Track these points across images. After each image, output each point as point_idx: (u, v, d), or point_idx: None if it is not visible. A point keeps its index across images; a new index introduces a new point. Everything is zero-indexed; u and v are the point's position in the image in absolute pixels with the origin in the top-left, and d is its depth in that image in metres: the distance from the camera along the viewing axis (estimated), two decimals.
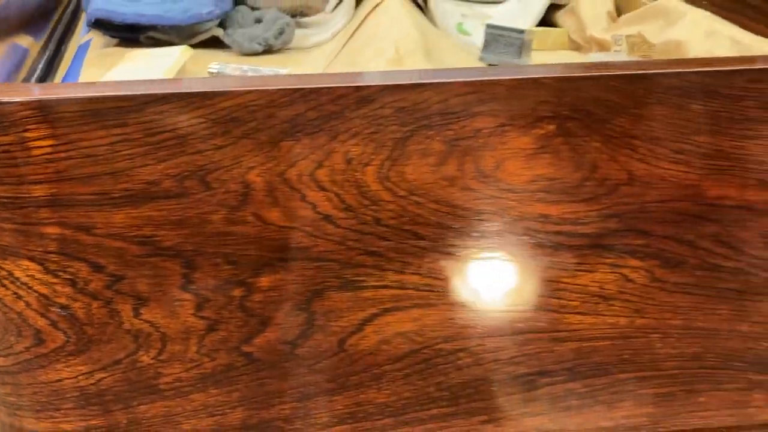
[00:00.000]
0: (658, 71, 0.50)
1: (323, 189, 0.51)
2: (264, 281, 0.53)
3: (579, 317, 0.58)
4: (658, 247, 0.56)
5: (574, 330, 0.58)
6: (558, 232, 0.54)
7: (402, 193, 0.52)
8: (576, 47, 0.96)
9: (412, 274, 0.55)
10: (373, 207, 0.52)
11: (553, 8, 1.03)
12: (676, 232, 0.55)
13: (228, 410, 0.58)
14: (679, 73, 0.50)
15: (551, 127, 0.51)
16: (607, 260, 0.56)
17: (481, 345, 0.58)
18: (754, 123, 0.52)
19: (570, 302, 0.57)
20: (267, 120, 0.48)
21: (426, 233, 0.53)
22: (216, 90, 0.47)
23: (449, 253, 0.54)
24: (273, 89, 0.48)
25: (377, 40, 0.84)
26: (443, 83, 0.49)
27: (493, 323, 0.57)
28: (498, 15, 1.03)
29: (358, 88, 0.48)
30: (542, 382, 0.60)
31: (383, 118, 0.49)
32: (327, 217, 0.52)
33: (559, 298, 0.57)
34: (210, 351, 0.55)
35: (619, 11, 1.02)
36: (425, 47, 0.80)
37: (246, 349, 0.56)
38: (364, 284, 0.55)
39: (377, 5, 0.89)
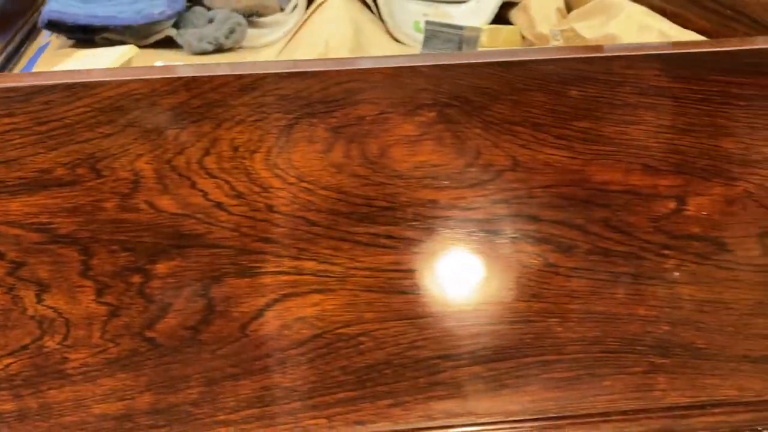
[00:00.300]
0: (533, 58, 0.51)
1: (212, 176, 0.52)
2: (161, 268, 0.54)
3: (476, 301, 0.58)
4: (548, 232, 0.56)
5: (472, 314, 0.59)
6: (447, 218, 0.55)
7: (291, 180, 0.53)
8: (528, 44, 0.96)
9: (309, 259, 0.55)
10: (264, 194, 0.53)
11: (508, 6, 1.04)
12: (565, 217, 0.56)
13: (136, 394, 0.58)
14: (556, 60, 0.51)
15: (432, 114, 0.51)
16: (499, 245, 0.56)
17: (381, 329, 0.58)
18: (633, 108, 0.53)
19: (465, 286, 0.57)
20: (151, 108, 0.49)
21: (319, 219, 0.54)
22: (97, 80, 0.48)
23: (344, 239, 0.55)
24: (154, 78, 0.49)
25: (313, 38, 0.85)
26: (322, 71, 0.50)
27: (391, 307, 0.58)
28: (459, 14, 1.04)
29: (238, 77, 0.49)
30: (446, 365, 0.60)
31: (266, 105, 0.50)
32: (219, 204, 0.53)
33: (454, 282, 0.57)
34: (114, 336, 0.56)
35: (569, 8, 1.03)
36: (356, 44, 0.81)
37: (149, 334, 0.56)
38: (262, 270, 0.55)
39: (321, 4, 0.90)
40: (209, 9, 1.01)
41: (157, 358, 0.57)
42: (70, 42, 0.94)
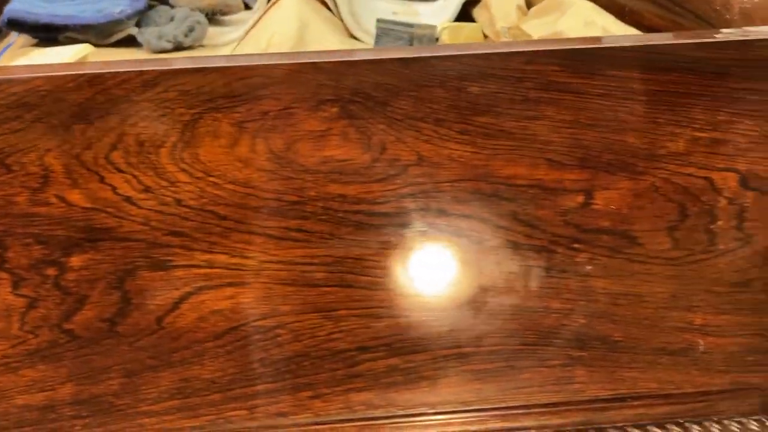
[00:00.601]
0: (431, 54, 0.51)
1: (120, 171, 0.52)
2: (75, 261, 0.55)
3: (389, 294, 0.59)
4: (457, 225, 0.57)
5: (386, 306, 0.59)
6: (357, 211, 0.56)
7: (198, 174, 0.53)
8: (490, 42, 0.97)
9: (220, 253, 0.56)
10: (172, 188, 0.53)
11: (474, 3, 1.05)
12: (473, 210, 0.56)
13: (58, 385, 0.59)
14: (454, 56, 0.52)
15: (335, 110, 0.52)
16: (409, 238, 0.57)
17: (297, 322, 0.59)
18: (535, 104, 0.53)
19: (378, 279, 0.58)
20: (56, 104, 0.50)
21: (228, 213, 0.55)
22: (2, 78, 0.49)
23: (255, 233, 0.56)
24: (58, 75, 0.49)
25: (258, 36, 0.86)
26: (223, 67, 0.50)
27: (306, 300, 0.58)
28: (429, 12, 1.06)
29: (140, 73, 0.50)
30: (363, 358, 0.61)
31: (169, 101, 0.51)
32: (128, 198, 0.53)
33: (367, 276, 0.58)
34: (33, 328, 0.57)
35: (530, 4, 1.04)
36: (299, 41, 0.82)
37: (67, 326, 0.57)
38: (174, 263, 0.56)
39: (275, 2, 0.91)
40: (173, 7, 1.02)
41: (77, 349, 0.58)
42: (34, 41, 0.95)
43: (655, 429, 0.67)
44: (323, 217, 0.56)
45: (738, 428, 0.67)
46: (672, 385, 0.65)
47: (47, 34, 0.95)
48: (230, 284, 0.57)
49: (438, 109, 0.53)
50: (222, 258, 0.56)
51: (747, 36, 0.53)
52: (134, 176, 0.53)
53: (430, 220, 0.56)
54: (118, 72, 0.50)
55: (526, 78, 0.52)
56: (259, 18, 0.92)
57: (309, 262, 0.57)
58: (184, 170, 0.53)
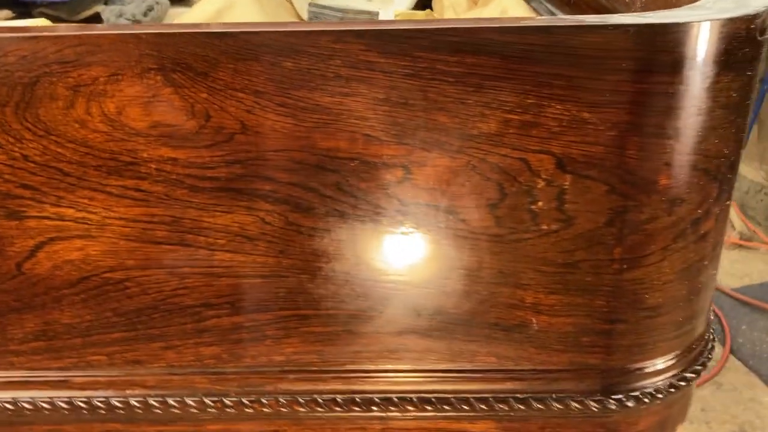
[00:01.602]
0: (244, 30, 0.54)
1: None
2: None
3: (229, 255, 0.61)
4: (286, 193, 0.59)
5: (227, 266, 0.62)
6: (189, 175, 0.58)
7: (41, 133, 0.57)
8: None
9: (68, 207, 0.59)
10: (19, 144, 0.57)
11: None
12: (299, 179, 0.58)
13: None
14: (265, 33, 0.54)
15: (158, 78, 0.55)
16: (242, 203, 0.59)
17: (144, 276, 0.62)
18: (347, 81, 0.55)
19: (217, 240, 0.61)
20: None
21: (71, 170, 0.58)
22: None
23: (96, 190, 0.59)
24: None
25: (185, 16, 0.90)
26: (54, 36, 0.54)
27: (150, 256, 0.61)
28: None
29: None
30: (208, 314, 0.64)
31: (9, 64, 0.55)
32: None
33: (205, 236, 0.61)
34: None
35: None
36: (215, 20, 0.86)
37: None
38: (27, 214, 0.60)
39: None
40: None
41: None
42: (13, 15, 1.01)
43: (498, 404, 0.67)
44: (158, 178, 0.59)
45: (579, 407, 0.68)
46: (511, 361, 0.66)
47: (21, 9, 1.02)
48: (79, 236, 0.61)
49: (256, 81, 0.55)
50: (70, 212, 0.60)
51: (551, 22, 0.54)
52: None
53: (259, 186, 0.59)
54: None
55: (336, 56, 0.54)
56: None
57: (149, 221, 0.60)
58: (27, 128, 0.57)
